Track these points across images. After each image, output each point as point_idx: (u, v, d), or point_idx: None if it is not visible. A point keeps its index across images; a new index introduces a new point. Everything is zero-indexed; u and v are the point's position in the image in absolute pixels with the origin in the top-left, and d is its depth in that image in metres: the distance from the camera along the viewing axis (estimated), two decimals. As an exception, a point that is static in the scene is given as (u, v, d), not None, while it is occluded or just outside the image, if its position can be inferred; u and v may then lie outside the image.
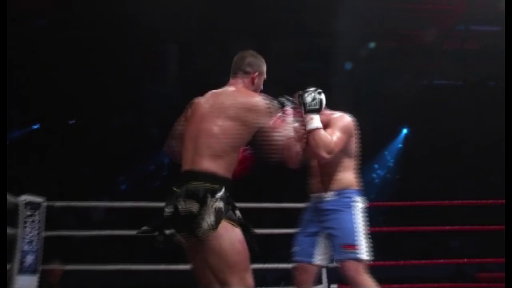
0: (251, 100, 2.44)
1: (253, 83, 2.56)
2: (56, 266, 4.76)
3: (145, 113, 12.23)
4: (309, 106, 2.73)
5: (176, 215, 2.24)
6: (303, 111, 2.74)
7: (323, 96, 2.77)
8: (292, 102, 2.76)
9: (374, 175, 13.07)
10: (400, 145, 13.19)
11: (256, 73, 2.57)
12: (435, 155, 11.85)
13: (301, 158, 2.83)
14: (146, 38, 10.00)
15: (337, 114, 2.87)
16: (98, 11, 9.23)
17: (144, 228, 2.34)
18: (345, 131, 2.79)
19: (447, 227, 5.30)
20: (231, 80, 2.58)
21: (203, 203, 2.21)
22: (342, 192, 2.79)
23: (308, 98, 2.74)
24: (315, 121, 2.71)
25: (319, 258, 2.82)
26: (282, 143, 2.42)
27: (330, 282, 4.20)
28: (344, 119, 2.84)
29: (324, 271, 4.21)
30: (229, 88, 2.54)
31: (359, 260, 2.66)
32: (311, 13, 9.59)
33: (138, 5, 8.71)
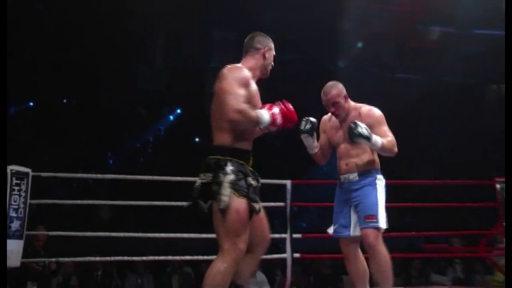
0: (222, 70, 2.46)
1: (264, 57, 2.58)
2: (40, 232, 4.65)
3: (133, 94, 12.03)
4: (365, 134, 2.81)
5: (199, 186, 2.36)
6: (366, 141, 2.82)
7: (313, 119, 2.98)
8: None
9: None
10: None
11: (266, 48, 2.59)
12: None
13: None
14: (137, 24, 9.79)
15: (366, 107, 2.99)
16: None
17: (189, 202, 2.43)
18: (385, 122, 2.96)
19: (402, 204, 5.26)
20: (242, 59, 2.60)
21: (215, 174, 2.31)
22: (366, 172, 2.94)
23: (363, 129, 2.82)
24: (378, 139, 2.84)
25: (355, 230, 2.96)
26: (231, 107, 2.32)
27: (293, 251, 4.14)
28: (375, 113, 2.98)
29: (287, 241, 4.14)
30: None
31: (378, 229, 2.83)
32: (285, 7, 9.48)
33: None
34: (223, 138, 2.38)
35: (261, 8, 9.60)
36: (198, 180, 2.38)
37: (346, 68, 11.18)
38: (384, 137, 2.88)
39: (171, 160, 10.89)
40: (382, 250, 2.82)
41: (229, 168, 2.31)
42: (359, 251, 3.02)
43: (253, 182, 2.38)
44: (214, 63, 12.86)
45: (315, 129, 3.00)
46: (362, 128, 2.80)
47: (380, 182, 2.94)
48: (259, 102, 2.50)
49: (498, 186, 4.75)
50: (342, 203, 3.01)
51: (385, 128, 2.92)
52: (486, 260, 5.75)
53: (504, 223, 4.62)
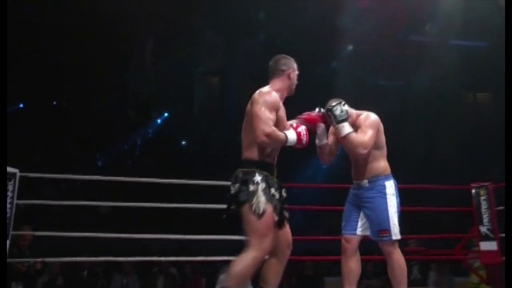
0: (254, 94, 2.65)
1: (289, 78, 2.75)
2: (26, 232, 4.56)
3: (122, 97, 11.94)
4: (339, 117, 2.90)
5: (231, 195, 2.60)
6: (334, 123, 2.91)
7: (347, 107, 2.95)
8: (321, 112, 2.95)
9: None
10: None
11: (291, 70, 2.77)
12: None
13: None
14: (126, 28, 9.73)
15: (363, 114, 3.03)
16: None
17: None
18: (373, 127, 2.96)
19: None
20: (269, 81, 2.76)
21: (245, 184, 2.54)
22: (375, 179, 2.99)
23: (337, 111, 2.90)
24: (346, 127, 2.90)
25: (361, 230, 3.03)
26: (260, 131, 2.53)
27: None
28: (370, 117, 3.00)
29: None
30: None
31: (392, 241, 2.93)
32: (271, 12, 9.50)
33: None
34: (251, 153, 2.61)
35: (249, 14, 9.60)
36: (231, 192, 2.62)
37: (328, 75, 11.21)
38: (360, 135, 2.92)
39: (159, 162, 10.82)
40: (398, 257, 2.93)
41: (258, 178, 2.55)
42: (357, 250, 3.07)
43: (275, 193, 2.61)
44: (202, 67, 12.86)
45: (325, 117, 3.00)
46: (338, 110, 2.89)
47: (390, 189, 2.99)
48: (285, 122, 2.71)
49: (473, 191, 4.78)
50: (353, 206, 3.08)
51: (368, 130, 2.92)
52: (462, 262, 5.78)
53: (479, 227, 4.67)
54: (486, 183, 4.76)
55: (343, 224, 3.09)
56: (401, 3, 9.50)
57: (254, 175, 2.55)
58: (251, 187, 2.53)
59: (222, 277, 5.87)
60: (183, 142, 13.02)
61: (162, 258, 4.51)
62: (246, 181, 2.55)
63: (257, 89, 2.71)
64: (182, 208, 4.65)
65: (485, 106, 14.59)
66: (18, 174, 3.78)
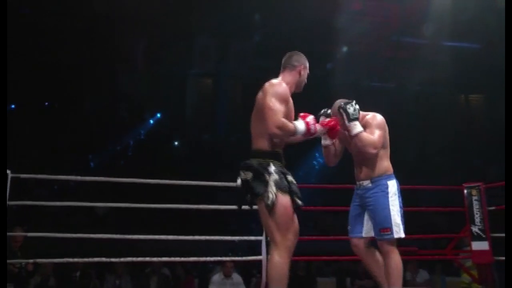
0: (266, 84, 2.66)
1: (300, 74, 2.79)
2: (18, 233, 4.52)
3: (114, 98, 11.90)
4: (352, 116, 2.92)
5: (242, 184, 2.61)
6: (347, 120, 2.92)
7: (358, 106, 2.97)
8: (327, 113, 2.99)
9: (315, 162, 13.18)
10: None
11: (302, 66, 2.81)
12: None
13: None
14: (119, 29, 9.69)
15: (369, 115, 3.05)
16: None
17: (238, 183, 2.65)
18: (381, 127, 3.00)
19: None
20: (280, 74, 2.79)
21: (259, 174, 2.53)
22: (378, 178, 3.00)
23: (350, 109, 2.92)
24: (358, 126, 2.92)
25: (366, 232, 3.06)
26: (272, 123, 2.54)
27: (268, 253, 4.10)
28: (377, 117, 3.04)
29: (263, 243, 4.12)
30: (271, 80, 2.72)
31: (393, 239, 2.94)
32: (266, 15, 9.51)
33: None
34: (263, 144, 2.62)
35: (242, 16, 9.60)
36: (239, 178, 2.62)
37: (321, 77, 11.24)
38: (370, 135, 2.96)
39: (151, 163, 10.79)
40: (395, 257, 2.94)
41: (272, 168, 2.55)
42: (369, 247, 3.09)
43: (292, 180, 2.63)
44: (195, 69, 12.86)
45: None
46: (352, 108, 2.92)
47: (392, 188, 3.00)
48: (293, 114, 2.72)
49: (465, 191, 4.81)
50: (357, 207, 3.10)
51: (376, 130, 2.97)
52: (454, 261, 5.81)
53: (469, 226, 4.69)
54: (478, 183, 4.79)
55: (349, 227, 3.12)
56: (394, 5, 9.55)
57: (269, 166, 2.56)
58: (267, 178, 2.53)
59: (214, 277, 5.86)
60: (176, 143, 13.00)
61: (155, 259, 4.49)
62: (261, 172, 2.55)
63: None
64: (174, 209, 4.64)
65: (477, 107, 14.69)
66: (10, 175, 3.76)
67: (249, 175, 2.57)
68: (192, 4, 9.36)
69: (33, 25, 9.46)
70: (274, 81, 2.69)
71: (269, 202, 2.49)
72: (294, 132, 2.64)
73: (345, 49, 11.25)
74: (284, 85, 2.67)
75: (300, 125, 2.66)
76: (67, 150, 10.69)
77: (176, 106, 12.78)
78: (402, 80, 11.94)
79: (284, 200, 2.54)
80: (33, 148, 10.30)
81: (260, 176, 2.54)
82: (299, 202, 2.60)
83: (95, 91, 11.40)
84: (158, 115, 12.97)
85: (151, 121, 12.95)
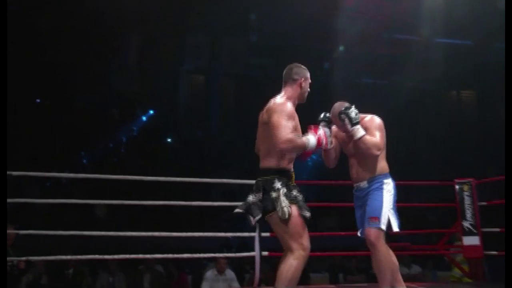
0: (270, 102, 2.72)
1: (301, 87, 2.83)
2: (9, 231, 4.48)
3: (106, 95, 11.85)
4: (354, 120, 2.97)
5: (248, 204, 2.68)
6: (349, 125, 2.97)
7: (357, 110, 3.01)
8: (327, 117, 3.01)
9: (308, 159, 13.21)
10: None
11: (302, 78, 2.84)
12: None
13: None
14: (111, 26, 9.64)
15: (367, 117, 3.10)
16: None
17: (237, 210, 2.76)
18: (380, 129, 3.06)
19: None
20: (282, 89, 2.83)
21: (267, 192, 2.63)
22: (374, 178, 3.05)
23: (352, 114, 2.97)
24: (361, 130, 2.97)
25: None
26: (281, 139, 2.59)
27: (261, 249, 4.12)
28: (375, 120, 3.09)
29: (256, 240, 4.12)
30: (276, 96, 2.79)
31: (379, 229, 2.93)
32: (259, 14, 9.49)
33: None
34: (269, 162, 2.69)
35: (234, 13, 9.59)
36: (249, 198, 2.70)
37: (316, 74, 11.26)
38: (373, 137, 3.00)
39: (144, 160, 10.76)
40: (382, 249, 2.94)
41: (278, 184, 2.63)
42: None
43: (298, 194, 2.70)
44: (187, 66, 12.83)
45: (331, 122, 3.06)
46: (353, 112, 2.96)
47: (387, 185, 3.04)
48: (300, 131, 2.77)
49: (457, 187, 4.84)
50: (358, 209, 3.15)
51: (376, 132, 3.01)
52: (445, 256, 5.85)
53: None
54: (470, 179, 4.83)
55: (359, 230, 3.15)
56: (385, 2, 9.56)
57: (274, 182, 2.63)
58: (273, 194, 2.61)
59: (208, 273, 5.86)
60: (169, 140, 12.97)
61: (148, 256, 4.49)
62: (267, 189, 2.63)
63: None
64: (168, 205, 4.64)
65: (468, 104, 14.77)
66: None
67: (258, 196, 2.66)
68: (185, 1, 9.33)
69: (23, 22, 9.38)
70: (278, 100, 2.74)
71: (285, 216, 2.58)
72: (304, 145, 2.68)
73: (336, 46, 11.27)
74: (289, 104, 2.72)
75: (311, 138, 2.72)
76: (60, 147, 10.63)
77: (169, 103, 12.75)
78: (394, 77, 11.98)
79: (293, 210, 2.63)
80: (25, 145, 10.23)
81: (266, 194, 2.63)
82: (307, 214, 2.68)
83: (87, 87, 11.34)
84: (151, 111, 12.93)
85: (144, 118, 12.91)
